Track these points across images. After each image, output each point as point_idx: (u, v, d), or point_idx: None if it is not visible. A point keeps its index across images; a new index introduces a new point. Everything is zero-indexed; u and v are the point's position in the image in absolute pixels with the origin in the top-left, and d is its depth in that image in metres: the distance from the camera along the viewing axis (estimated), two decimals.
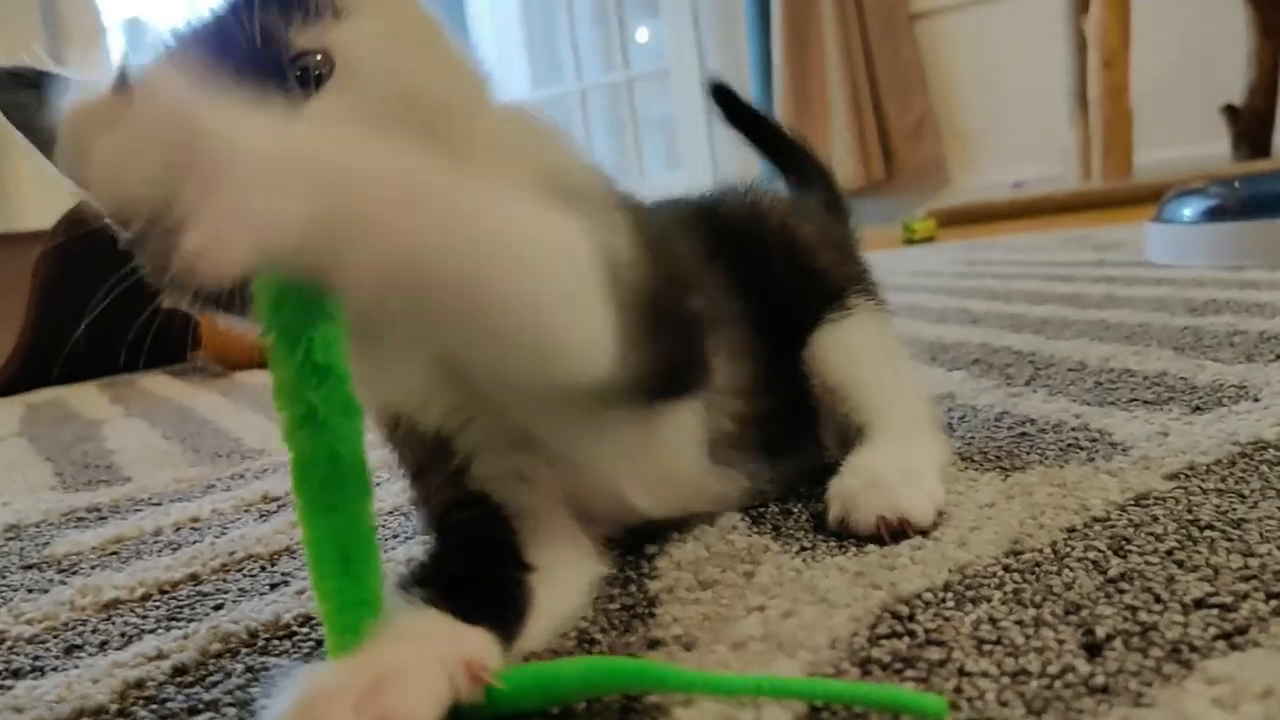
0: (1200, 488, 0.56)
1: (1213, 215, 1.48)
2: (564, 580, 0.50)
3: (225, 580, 0.65)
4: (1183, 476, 0.58)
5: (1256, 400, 0.72)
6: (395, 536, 0.69)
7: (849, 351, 0.65)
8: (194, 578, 0.66)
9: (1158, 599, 0.43)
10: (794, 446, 0.64)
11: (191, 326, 1.80)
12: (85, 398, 1.78)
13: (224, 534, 0.75)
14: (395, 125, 0.43)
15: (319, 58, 0.44)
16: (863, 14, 4.04)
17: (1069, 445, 0.68)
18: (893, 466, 0.57)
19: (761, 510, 0.62)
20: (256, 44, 0.43)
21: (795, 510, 0.62)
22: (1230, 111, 3.13)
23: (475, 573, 0.47)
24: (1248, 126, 3.10)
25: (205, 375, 1.90)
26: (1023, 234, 2.48)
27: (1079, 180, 3.16)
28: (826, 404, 0.64)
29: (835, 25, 4.01)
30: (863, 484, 0.56)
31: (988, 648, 0.41)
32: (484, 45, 0.52)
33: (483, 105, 0.49)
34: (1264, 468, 0.58)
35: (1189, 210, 1.52)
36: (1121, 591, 0.44)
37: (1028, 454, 0.67)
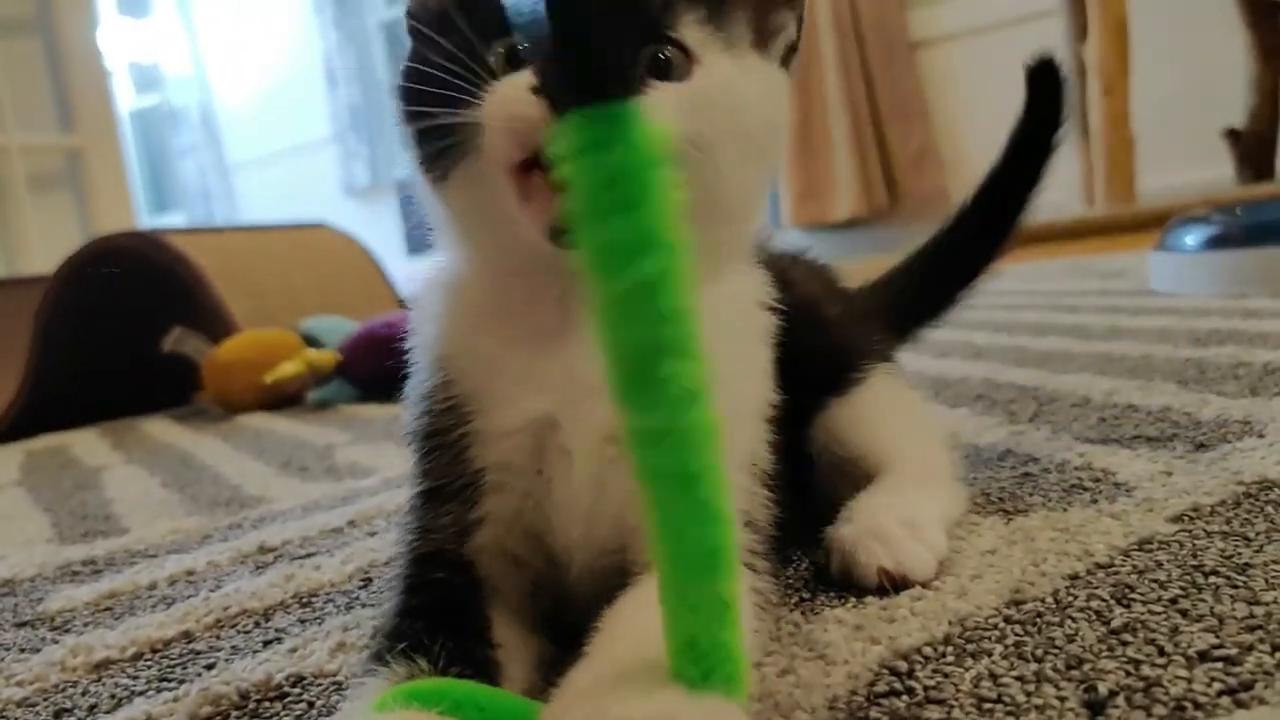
0: (1204, 530, 0.55)
1: (1215, 243, 1.47)
2: (522, 657, 0.49)
3: (218, 637, 0.64)
4: (1186, 519, 0.57)
5: (1261, 436, 0.71)
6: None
7: (861, 421, 0.64)
8: (186, 635, 0.65)
9: (1161, 651, 0.42)
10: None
11: (193, 369, 1.78)
12: (86, 443, 1.78)
13: (219, 588, 0.75)
14: (719, 146, 0.47)
15: (685, 57, 0.47)
16: (863, 44, 4.06)
17: (1072, 486, 0.67)
18: (893, 515, 0.56)
19: (773, 567, 0.61)
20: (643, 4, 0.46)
21: (795, 558, 0.61)
22: (1232, 135, 3.13)
23: (455, 645, 0.46)
24: (1250, 150, 3.10)
25: (207, 418, 1.90)
26: (1026, 262, 2.48)
27: (1082, 207, 3.16)
28: (846, 472, 0.63)
29: (835, 55, 4.04)
30: (861, 533, 0.55)
31: (988, 706, 0.40)
32: None
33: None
34: (1269, 509, 0.57)
35: (1191, 239, 1.52)
36: (1125, 644, 0.43)
37: (1030, 495, 0.66)
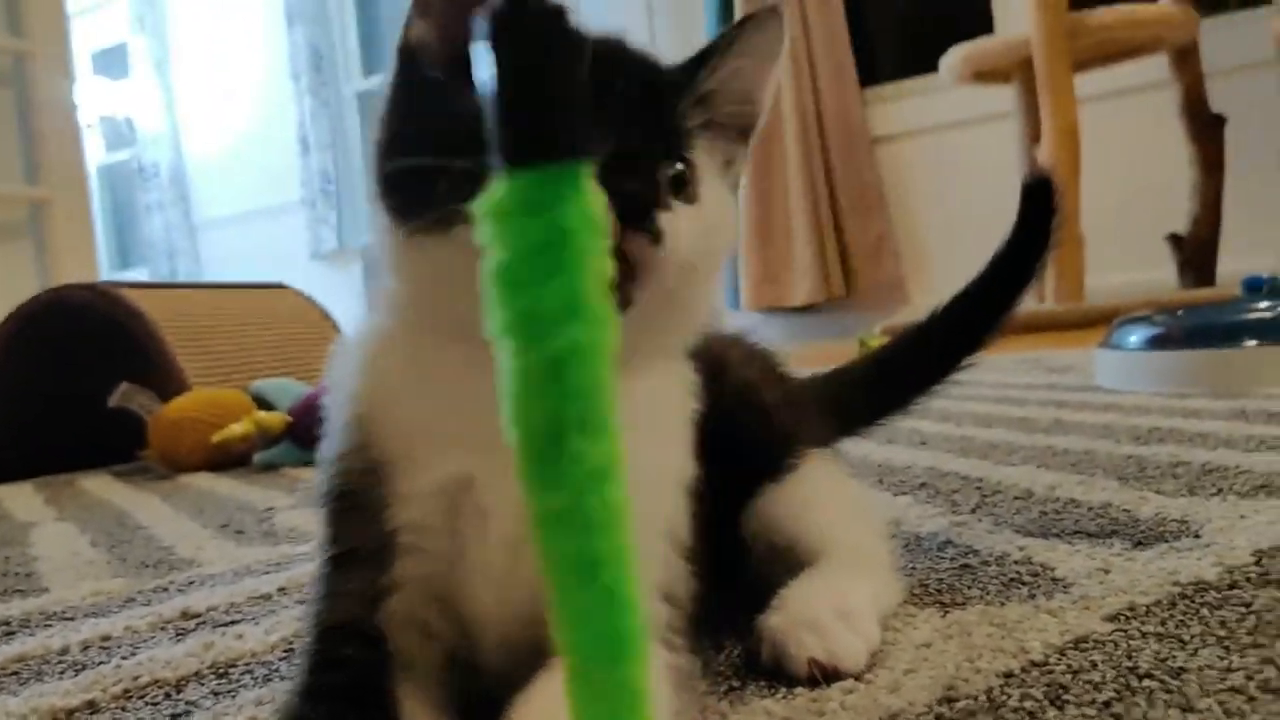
0: (1140, 631, 0.55)
1: (1157, 343, 1.50)
2: None
3: (124, 709, 0.61)
4: (1122, 618, 0.57)
5: (1198, 537, 0.71)
6: None
7: (796, 507, 0.63)
8: (91, 705, 0.62)
9: None
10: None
11: (140, 425, 1.74)
12: (19, 498, 1.73)
13: (133, 655, 0.72)
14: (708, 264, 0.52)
15: (694, 174, 0.50)
16: (825, 137, 4.16)
17: (1011, 580, 0.66)
18: (826, 604, 0.55)
19: (693, 644, 0.59)
20: (668, 124, 0.50)
21: (728, 644, 0.59)
22: (1175, 240, 3.24)
23: None
24: (1193, 255, 3.20)
25: (149, 476, 1.85)
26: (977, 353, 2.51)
27: (1033, 302, 3.22)
28: (780, 559, 0.63)
29: (798, 146, 4.12)
30: (793, 622, 0.54)
31: None
32: None
33: None
34: (1204, 611, 0.57)
35: (1135, 337, 1.55)
36: None
37: (969, 588, 0.65)
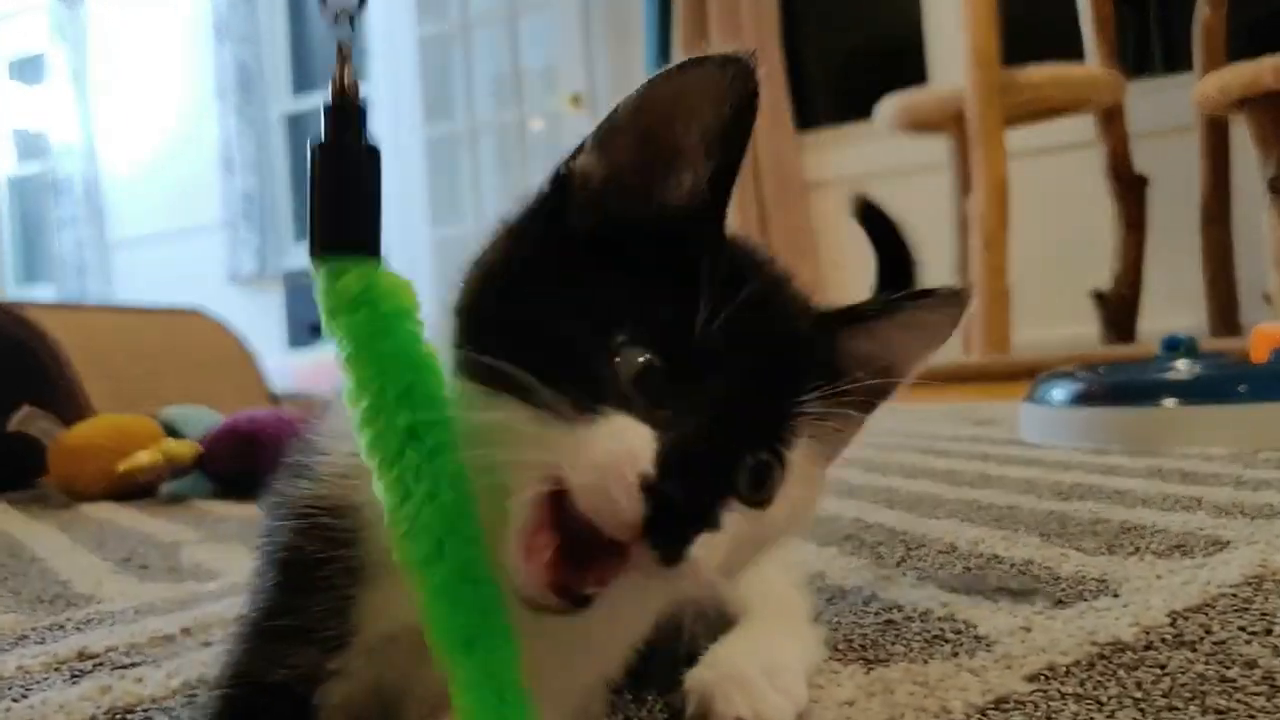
0: (1059, 691, 0.55)
1: (1079, 400, 1.54)
2: None
3: None
4: (1042, 678, 0.57)
5: (1116, 596, 0.72)
6: None
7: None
8: None
9: None
10: None
11: (40, 451, 1.66)
12: None
13: (24, 697, 0.68)
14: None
15: (779, 474, 0.43)
16: (760, 181, 4.21)
17: (934, 637, 0.66)
18: (754, 662, 0.54)
19: (614, 698, 0.58)
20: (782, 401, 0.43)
21: (649, 699, 0.58)
22: (1098, 297, 3.33)
23: None
24: (1115, 312, 3.29)
25: (48, 505, 1.78)
26: (905, 403, 2.54)
27: (960, 353, 3.28)
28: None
29: (734, 189, 4.16)
30: (721, 679, 0.53)
31: None
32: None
33: None
34: (1121, 672, 0.57)
35: (1058, 393, 1.58)
36: None
37: (892, 644, 0.65)
